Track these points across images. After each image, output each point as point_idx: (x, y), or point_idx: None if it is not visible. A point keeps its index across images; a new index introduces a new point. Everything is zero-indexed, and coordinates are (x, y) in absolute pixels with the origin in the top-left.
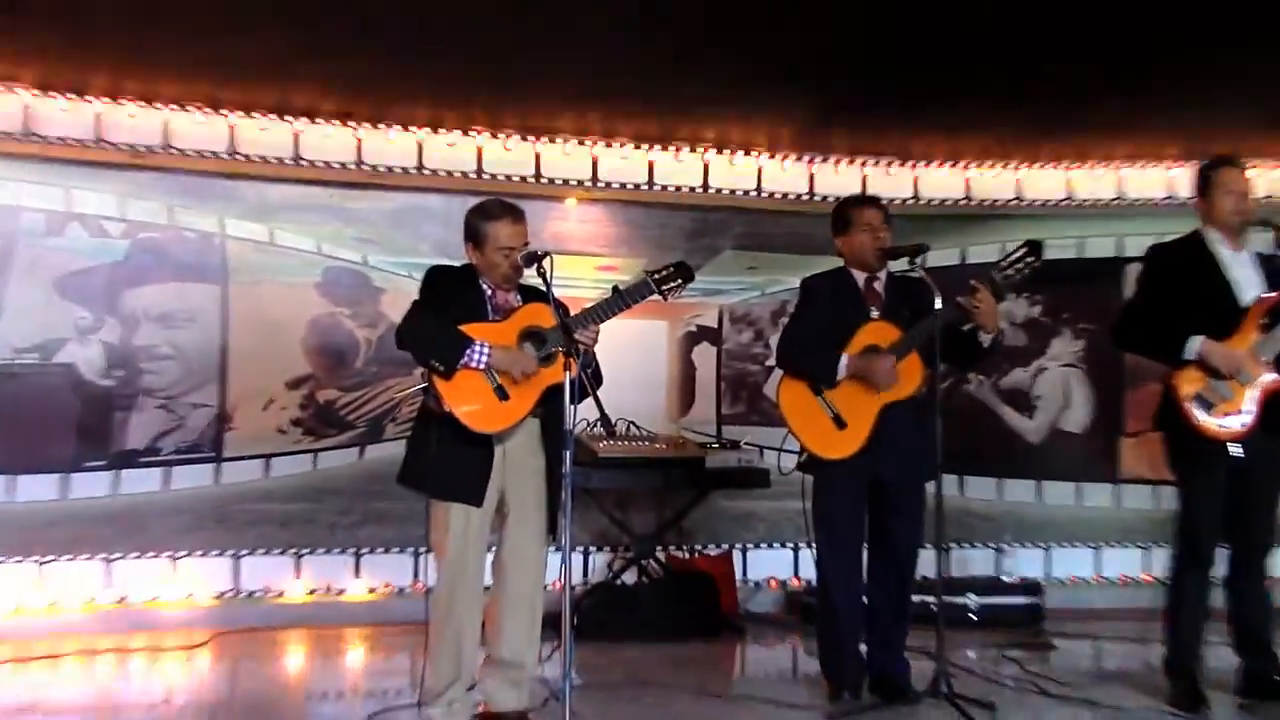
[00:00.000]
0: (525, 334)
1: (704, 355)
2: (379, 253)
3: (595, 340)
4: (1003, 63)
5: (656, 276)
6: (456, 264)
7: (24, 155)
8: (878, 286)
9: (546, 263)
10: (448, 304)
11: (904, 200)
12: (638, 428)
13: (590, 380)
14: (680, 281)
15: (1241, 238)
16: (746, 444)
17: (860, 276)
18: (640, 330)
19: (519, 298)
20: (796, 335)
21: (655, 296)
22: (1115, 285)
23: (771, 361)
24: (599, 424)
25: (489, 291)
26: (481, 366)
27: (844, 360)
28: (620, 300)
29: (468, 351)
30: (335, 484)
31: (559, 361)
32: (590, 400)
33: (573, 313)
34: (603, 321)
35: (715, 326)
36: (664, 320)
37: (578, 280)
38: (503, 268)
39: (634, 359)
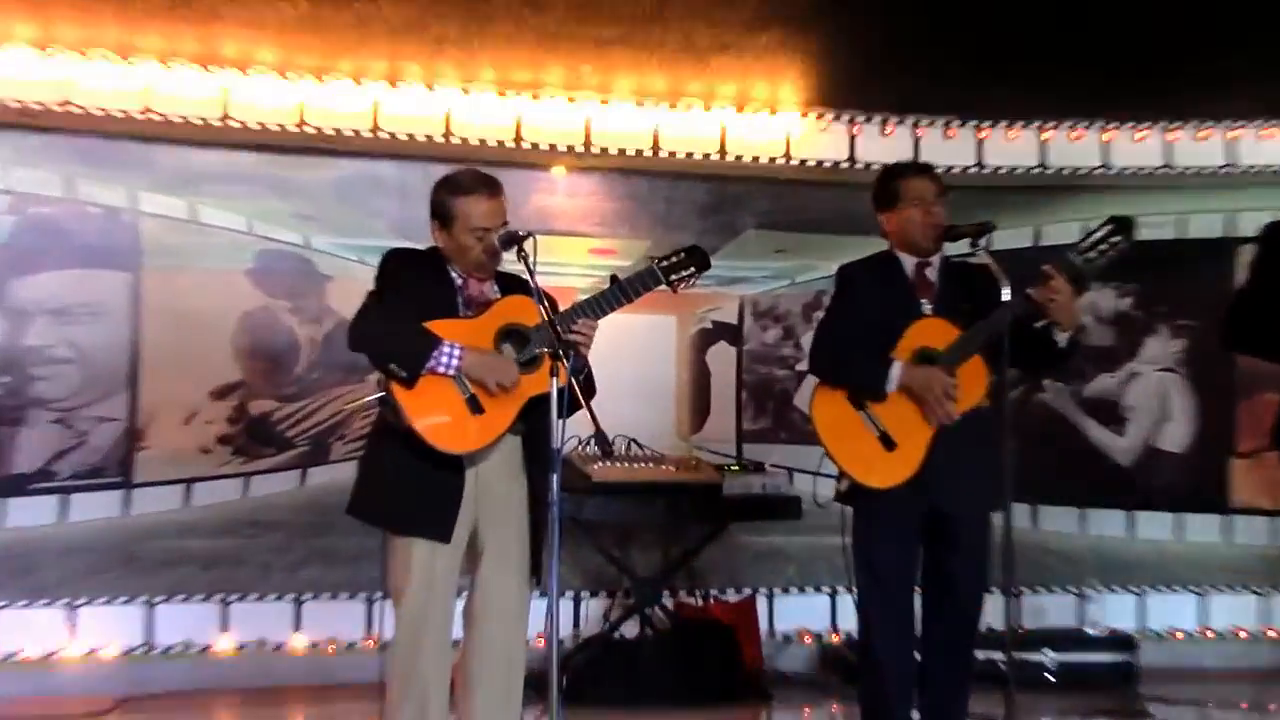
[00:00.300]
0: (504, 333)
1: (721, 358)
2: (325, 233)
3: (589, 341)
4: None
5: (664, 264)
6: (420, 247)
7: None
8: (930, 274)
9: (529, 246)
10: (410, 296)
11: (965, 168)
12: (640, 446)
13: (582, 389)
14: (693, 269)
15: None
16: (773, 466)
17: (909, 262)
18: (644, 328)
19: (496, 289)
20: (835, 334)
21: (662, 288)
22: (1224, 271)
23: (804, 366)
24: (593, 442)
25: (459, 281)
26: (451, 372)
27: (895, 369)
28: (620, 293)
29: (434, 354)
30: (271, 515)
31: (545, 367)
32: (582, 414)
33: (562, 307)
34: (599, 318)
35: (735, 323)
36: (672, 315)
37: (567, 267)
38: (475, 252)
39: (636, 363)
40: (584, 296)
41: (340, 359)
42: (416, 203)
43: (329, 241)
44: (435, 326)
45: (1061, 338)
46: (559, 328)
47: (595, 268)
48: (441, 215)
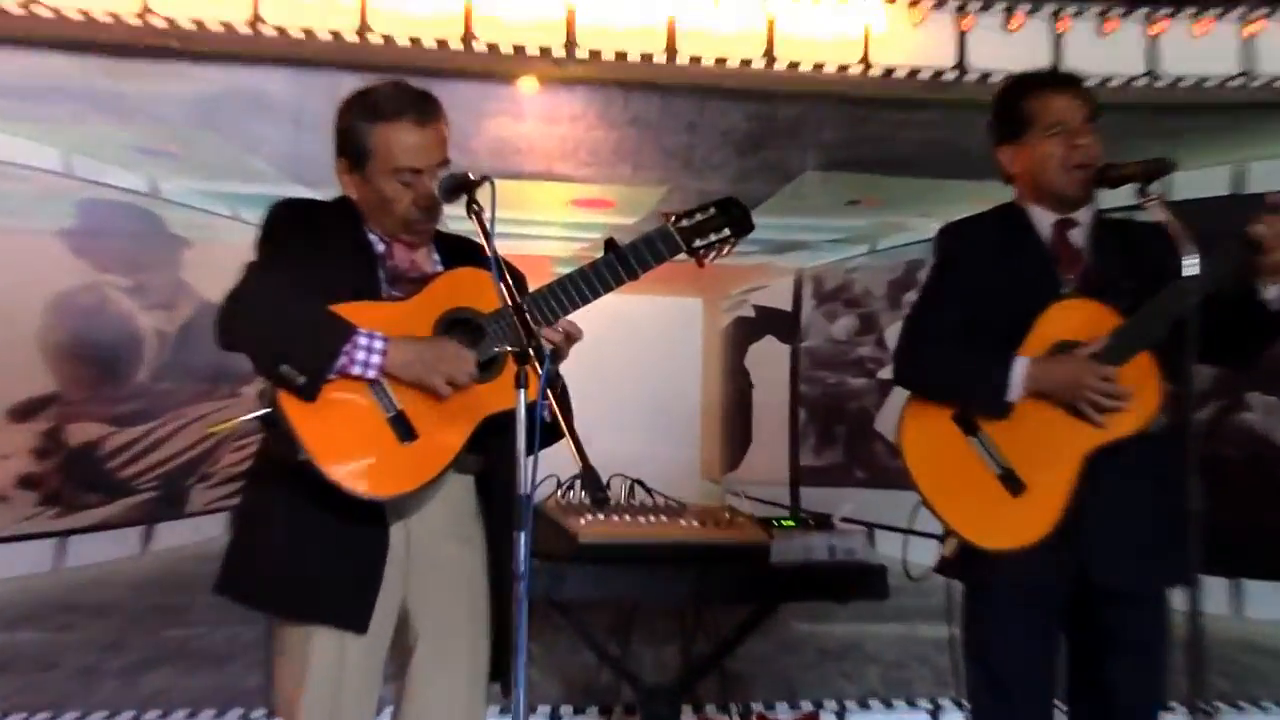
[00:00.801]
0: (447, 322)
1: (769, 360)
2: (180, 175)
3: (572, 338)
4: None
5: (684, 223)
6: (323, 198)
7: None
8: (1076, 236)
9: (484, 195)
10: (308, 268)
11: (1130, 80)
12: (649, 491)
13: (560, 406)
14: (727, 233)
15: None
16: (845, 521)
17: (1045, 219)
18: (655, 316)
19: (435, 258)
20: (934, 325)
21: (682, 258)
22: None
23: (889, 373)
24: (579, 485)
25: (380, 247)
26: (370, 374)
27: (1018, 368)
28: (618, 266)
29: (346, 347)
30: (98, 595)
31: (507, 371)
32: (565, 443)
33: (532, 287)
34: (585, 303)
35: (789, 309)
36: (696, 298)
37: (541, 227)
38: (404, 205)
39: (643, 368)
40: (565, 271)
41: (203, 361)
42: (317, 132)
43: (187, 187)
44: (347, 312)
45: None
46: (529, 316)
47: (582, 228)
48: (352, 151)
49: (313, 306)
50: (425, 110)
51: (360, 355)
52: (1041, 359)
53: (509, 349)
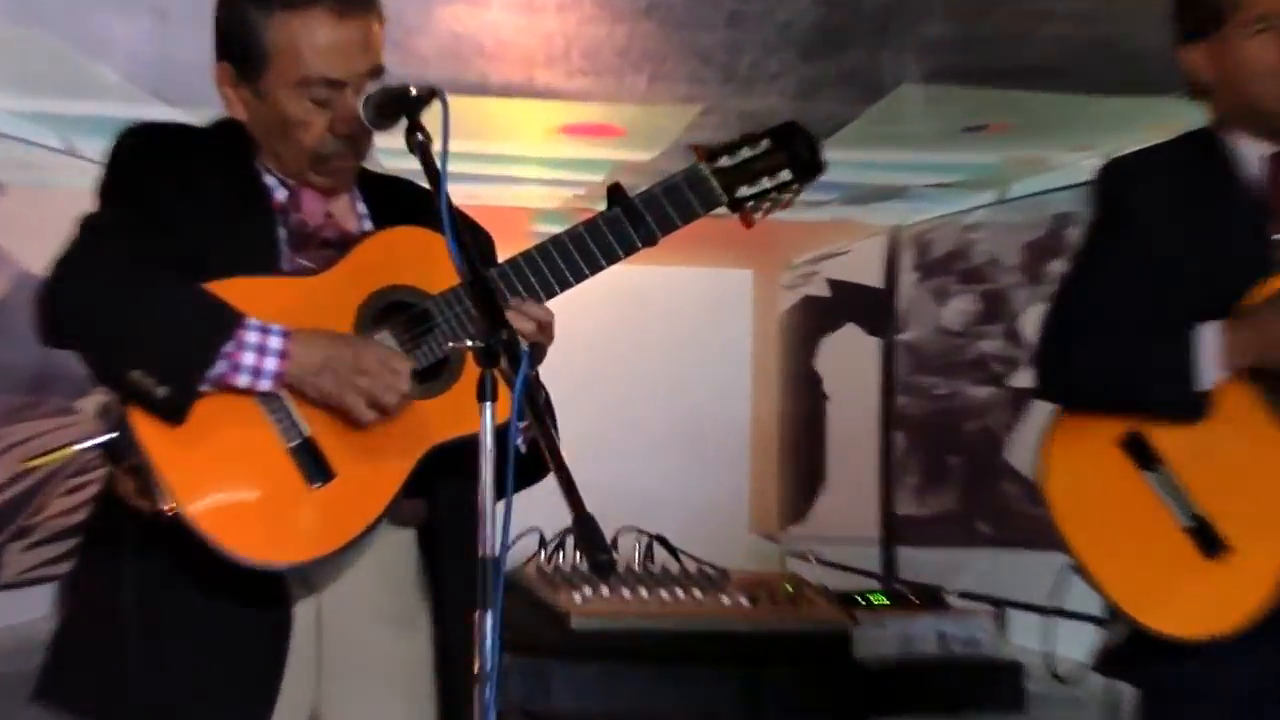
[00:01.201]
0: (378, 307)
1: (848, 359)
2: None
3: (546, 328)
4: None
5: (724, 161)
6: (194, 123)
7: None
8: None
9: (432, 119)
10: (174, 224)
11: None
12: (674, 552)
13: (543, 429)
14: (787, 176)
15: None
16: (963, 597)
17: (1253, 152)
18: (683, 294)
19: (361, 208)
20: (1091, 307)
21: (721, 213)
22: None
23: (1022, 379)
24: (574, 543)
25: (281, 194)
26: (263, 388)
27: (1208, 336)
28: (627, 226)
29: (228, 348)
30: None
31: (464, 381)
32: (554, 482)
33: (503, 254)
34: (580, 279)
35: (880, 284)
36: (744, 269)
37: (517, 162)
38: (314, 132)
39: (666, 368)
40: (551, 230)
41: (22, 361)
42: (188, 25)
43: None
44: (229, 291)
45: None
46: (496, 297)
47: (575, 166)
48: (239, 53)
49: (179, 283)
50: None
51: (249, 358)
52: (1244, 317)
53: (467, 344)
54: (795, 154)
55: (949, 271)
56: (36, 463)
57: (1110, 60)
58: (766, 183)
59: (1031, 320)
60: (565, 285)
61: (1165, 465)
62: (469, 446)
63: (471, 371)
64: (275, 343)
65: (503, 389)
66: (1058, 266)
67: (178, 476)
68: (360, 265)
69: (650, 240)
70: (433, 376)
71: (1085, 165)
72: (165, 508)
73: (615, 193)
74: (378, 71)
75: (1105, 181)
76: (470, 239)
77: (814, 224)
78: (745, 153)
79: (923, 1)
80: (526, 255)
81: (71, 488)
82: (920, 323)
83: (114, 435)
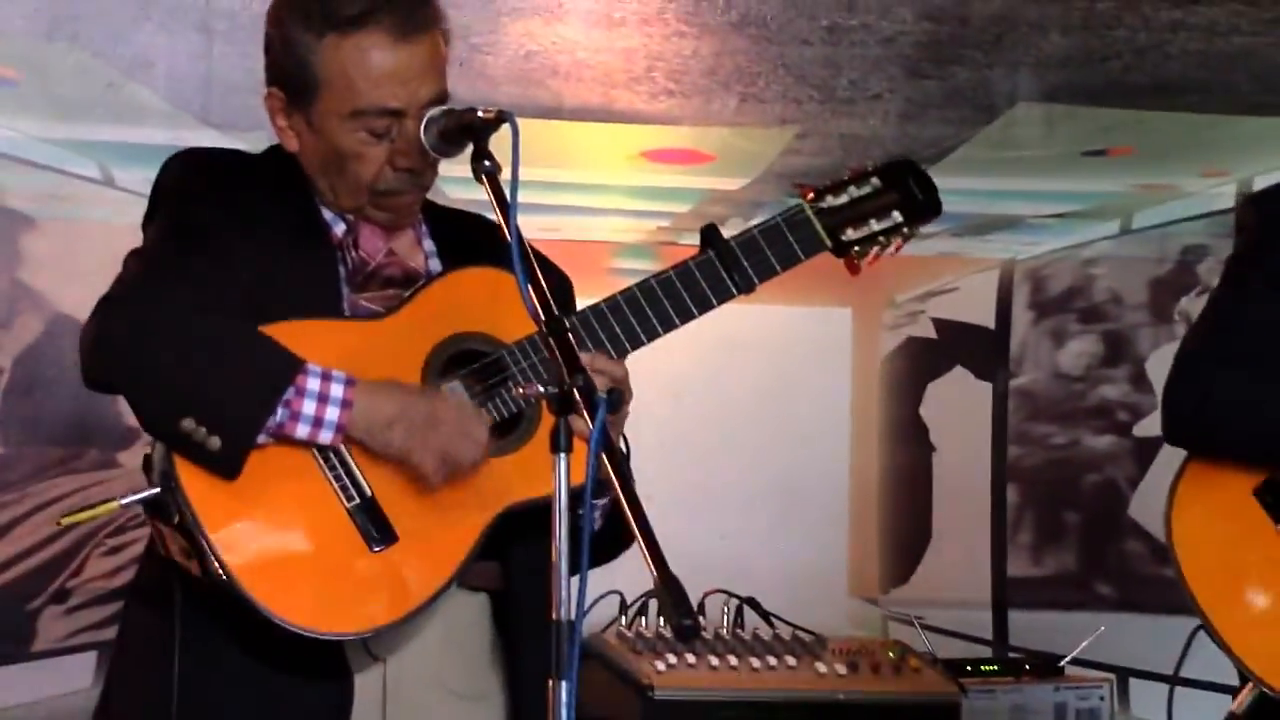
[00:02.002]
0: (447, 355)
1: (957, 406)
2: (18, 114)
3: (619, 382)
4: None
5: (829, 201)
6: (245, 149)
7: None
8: None
9: (501, 145)
10: (228, 260)
11: None
12: (766, 616)
13: (622, 487)
14: (897, 219)
15: None
16: (1081, 665)
17: None
18: (774, 334)
19: (428, 245)
20: (1231, 343)
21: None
22: None
23: (1154, 425)
24: (655, 608)
25: (340, 228)
26: (324, 441)
27: None
28: (721, 273)
29: (287, 395)
30: None
31: (540, 438)
32: (637, 547)
33: (583, 300)
34: (667, 330)
35: (991, 324)
36: (842, 307)
37: (596, 192)
38: (371, 166)
39: (756, 418)
40: (632, 267)
41: (58, 409)
42: (237, 44)
43: (29, 134)
44: (286, 335)
45: None
46: (570, 339)
47: (659, 195)
48: (291, 79)
49: (236, 326)
50: (409, 12)
51: (309, 407)
52: None
53: (539, 390)
54: (908, 194)
55: (1067, 310)
56: (74, 519)
57: (1247, 76)
58: (875, 225)
59: (1158, 363)
60: (652, 336)
61: None
62: (547, 507)
63: (549, 426)
64: (338, 391)
65: (580, 444)
66: (1187, 304)
67: (226, 538)
68: (428, 309)
69: (747, 287)
70: (507, 431)
71: (1218, 193)
72: (213, 571)
73: (709, 234)
74: (442, 97)
75: (1253, 211)
76: (544, 279)
77: (919, 258)
78: (852, 191)
79: (1038, 13)
80: (611, 302)
81: (113, 547)
82: (1036, 366)
83: (157, 491)
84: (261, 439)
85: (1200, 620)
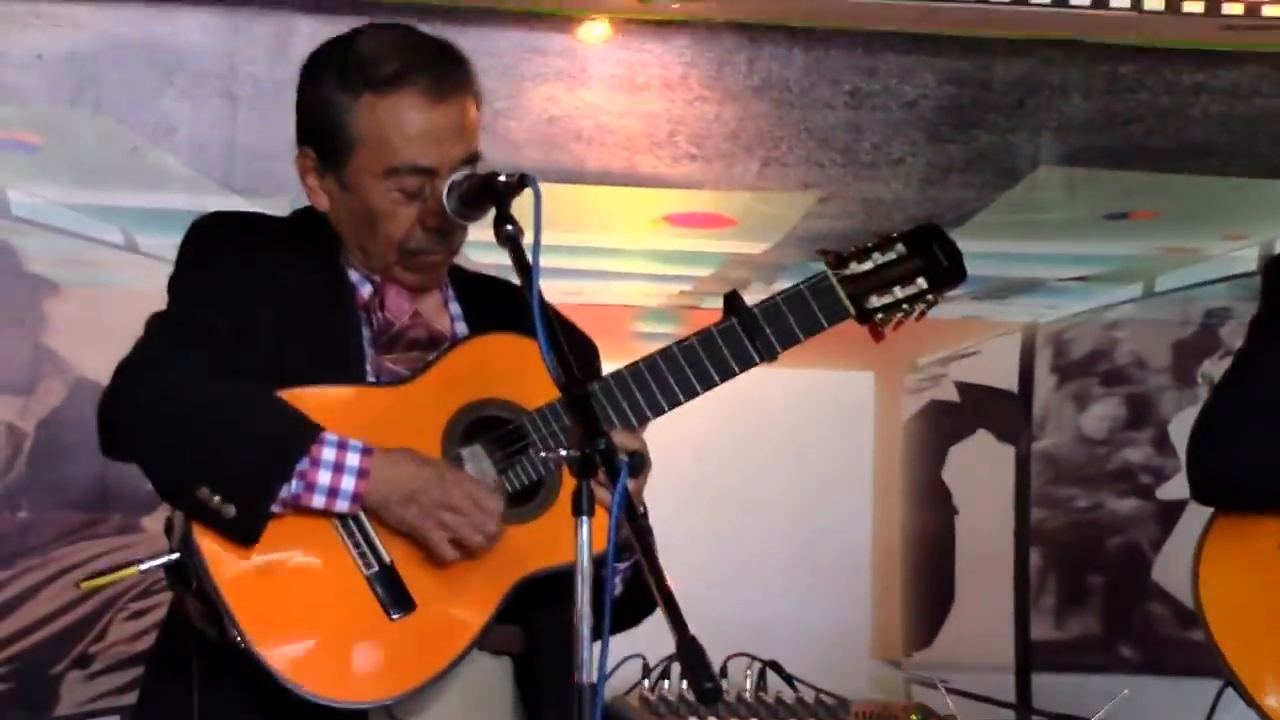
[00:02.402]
0: (468, 422)
1: (980, 469)
2: (38, 179)
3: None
4: None
5: (853, 268)
6: (273, 214)
7: None
8: None
9: (523, 208)
10: (251, 323)
11: None
12: (789, 680)
13: (645, 552)
14: (922, 286)
15: None
16: None
17: None
18: (797, 398)
19: (454, 309)
20: (1257, 399)
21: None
22: None
23: (1177, 488)
24: (678, 673)
25: (366, 289)
26: (340, 509)
27: None
28: (744, 341)
29: (303, 465)
30: None
31: (560, 507)
32: (660, 610)
33: (607, 362)
34: (690, 397)
35: (1014, 388)
36: (864, 371)
37: (618, 256)
38: (402, 226)
39: (779, 481)
40: (654, 330)
41: (80, 475)
42: (262, 109)
43: (50, 200)
44: (305, 402)
45: None
46: (592, 403)
47: (682, 259)
48: (324, 140)
49: (253, 392)
50: (444, 74)
51: (324, 478)
52: None
53: (561, 454)
54: (933, 260)
55: (1090, 373)
56: (96, 584)
57: (1270, 139)
58: (899, 292)
59: (1181, 426)
60: (674, 403)
61: None
62: (565, 575)
63: (568, 494)
64: (354, 460)
65: (601, 510)
66: (1210, 367)
67: (246, 605)
68: (450, 375)
69: (770, 356)
70: (526, 499)
71: (1240, 256)
72: (232, 637)
73: (732, 300)
74: (474, 158)
75: (1273, 274)
76: (568, 343)
77: (941, 322)
78: (877, 258)
79: (1061, 76)
80: (634, 368)
81: (136, 611)
82: (1058, 429)
83: (177, 556)
84: (277, 509)
85: (1229, 677)
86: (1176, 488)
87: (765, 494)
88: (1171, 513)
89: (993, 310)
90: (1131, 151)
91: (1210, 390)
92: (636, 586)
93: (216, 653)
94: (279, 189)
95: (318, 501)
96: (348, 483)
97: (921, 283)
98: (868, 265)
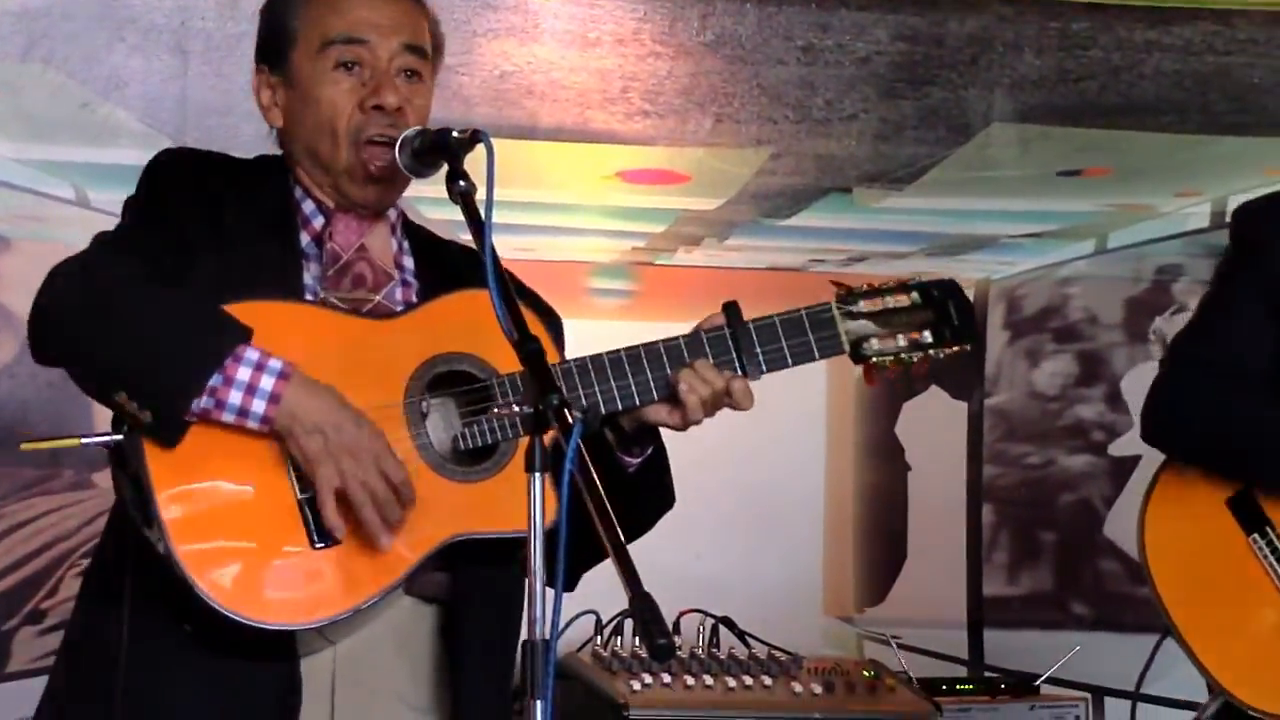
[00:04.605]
0: (441, 373)
1: (932, 426)
2: None
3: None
4: None
5: (860, 306)
6: (237, 156)
7: None
8: None
9: (475, 164)
10: (193, 248)
11: None
12: (742, 635)
13: (595, 500)
14: (927, 338)
15: None
16: (1056, 684)
17: None
18: None
19: (403, 243)
20: (1216, 350)
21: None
22: None
23: (1129, 444)
24: (632, 626)
25: (317, 222)
26: (252, 428)
27: None
28: (729, 352)
29: (213, 380)
30: None
31: (510, 469)
32: (611, 567)
33: (561, 316)
34: (663, 395)
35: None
36: None
37: (571, 212)
38: (345, 108)
39: (731, 438)
40: (608, 285)
41: (30, 433)
42: (212, 62)
43: (3, 156)
44: (278, 313)
45: None
46: (547, 366)
47: (635, 216)
48: (273, 45)
49: (182, 297)
50: None
51: (235, 397)
52: None
53: (514, 409)
54: (944, 316)
55: (1042, 330)
56: (37, 446)
57: (1222, 96)
58: (901, 340)
59: (1133, 383)
60: (647, 400)
61: (1273, 528)
62: (497, 542)
63: (518, 465)
64: (268, 383)
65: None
66: (1162, 324)
67: (174, 508)
68: (431, 321)
69: (754, 374)
70: (478, 460)
71: (1192, 213)
72: (155, 545)
73: (730, 310)
74: (418, 50)
75: (1240, 225)
76: (538, 318)
77: (893, 278)
78: (888, 301)
79: (1014, 33)
80: (613, 356)
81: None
82: (1011, 386)
83: (119, 437)
84: (193, 419)
85: (1169, 628)
86: (1128, 444)
87: (718, 451)
88: (1123, 469)
89: (945, 266)
90: (1084, 108)
91: (1167, 342)
92: (650, 479)
93: (148, 573)
94: (231, 143)
95: (227, 418)
96: (258, 405)
97: (927, 336)
98: (876, 305)
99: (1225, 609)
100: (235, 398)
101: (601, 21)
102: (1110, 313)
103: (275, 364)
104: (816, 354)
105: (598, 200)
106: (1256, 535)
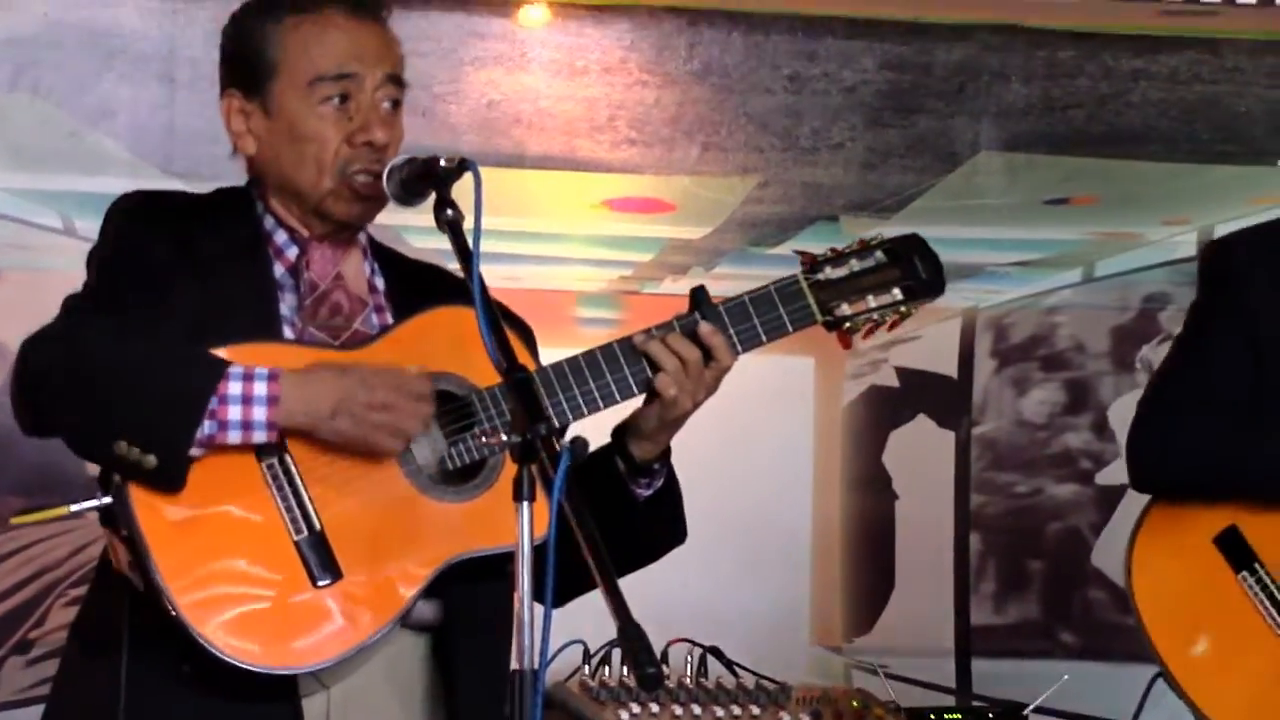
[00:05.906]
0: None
1: (920, 455)
2: None
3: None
4: None
5: (827, 273)
6: (197, 191)
7: None
8: None
9: (463, 193)
10: (168, 293)
11: None
12: (730, 665)
13: (585, 535)
14: (897, 296)
15: None
16: (1046, 714)
17: None
18: (736, 382)
19: (373, 265)
20: (1194, 388)
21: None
22: None
23: (1117, 472)
24: (619, 658)
25: (291, 253)
26: (260, 439)
27: None
28: (708, 333)
29: (210, 403)
30: None
31: (501, 484)
32: (600, 597)
33: (545, 344)
34: (641, 392)
35: (953, 373)
36: (805, 356)
37: (558, 241)
38: (330, 145)
39: (717, 466)
40: (593, 314)
41: (22, 460)
42: (199, 91)
43: None
44: (258, 356)
45: None
46: (535, 387)
47: (622, 244)
48: (246, 71)
49: (161, 343)
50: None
51: (234, 413)
52: None
53: (502, 439)
54: (911, 271)
55: (1029, 358)
56: (25, 519)
57: (1209, 125)
58: (872, 301)
59: (1121, 411)
60: (627, 395)
61: (1261, 566)
62: (496, 558)
63: (509, 478)
64: (261, 389)
65: (544, 498)
66: (1149, 352)
67: (171, 562)
68: (405, 343)
69: (730, 355)
70: (467, 478)
71: (1179, 241)
72: (155, 601)
73: (698, 295)
74: (398, 79)
75: (1214, 259)
76: (510, 331)
77: (858, 240)
78: (853, 264)
79: (1000, 62)
80: (588, 356)
81: (76, 598)
82: (998, 414)
83: (108, 501)
84: (197, 451)
85: (1159, 667)
86: (1116, 473)
87: (705, 479)
88: (1111, 497)
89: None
90: (1071, 137)
91: (1150, 376)
92: (662, 513)
93: (144, 609)
94: (218, 173)
95: (234, 438)
96: (259, 413)
97: (897, 293)
98: (843, 271)
99: (1216, 648)
100: (235, 413)
101: (589, 50)
102: (1097, 341)
103: (262, 370)
104: (790, 327)
105: (584, 229)
106: (1245, 573)
